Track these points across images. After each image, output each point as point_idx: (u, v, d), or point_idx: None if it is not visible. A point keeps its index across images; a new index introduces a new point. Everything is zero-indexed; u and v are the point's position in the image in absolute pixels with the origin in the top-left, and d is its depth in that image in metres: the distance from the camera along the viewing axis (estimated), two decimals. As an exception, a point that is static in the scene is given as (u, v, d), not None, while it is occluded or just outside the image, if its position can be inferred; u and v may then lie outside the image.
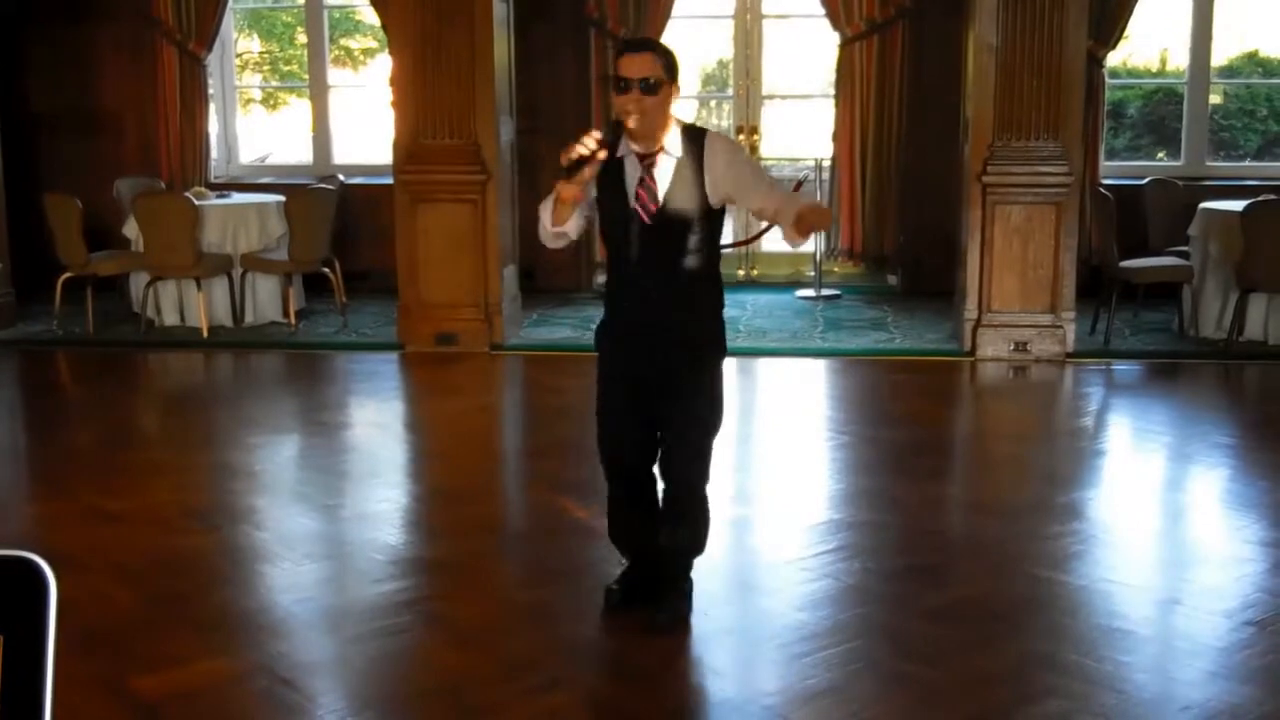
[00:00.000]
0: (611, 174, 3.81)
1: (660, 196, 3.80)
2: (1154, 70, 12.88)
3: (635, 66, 3.72)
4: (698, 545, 4.13)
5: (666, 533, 4.07)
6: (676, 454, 3.96)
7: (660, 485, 4.10)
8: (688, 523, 4.06)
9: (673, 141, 3.82)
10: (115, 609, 4.20)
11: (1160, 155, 11.93)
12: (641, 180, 3.80)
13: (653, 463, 4.05)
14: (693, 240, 3.84)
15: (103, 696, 3.56)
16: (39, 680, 0.86)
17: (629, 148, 3.82)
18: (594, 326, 4.22)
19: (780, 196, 3.93)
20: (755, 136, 10.57)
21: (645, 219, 3.82)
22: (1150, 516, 5.45)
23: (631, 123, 3.71)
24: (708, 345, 3.98)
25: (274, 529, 5.13)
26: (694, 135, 3.86)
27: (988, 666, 3.76)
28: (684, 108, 12.74)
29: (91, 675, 3.63)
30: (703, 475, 4.02)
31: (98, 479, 5.83)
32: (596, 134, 3.64)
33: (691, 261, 3.85)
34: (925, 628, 4.07)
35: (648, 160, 3.81)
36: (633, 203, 3.82)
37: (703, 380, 3.95)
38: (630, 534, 4.20)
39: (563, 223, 3.83)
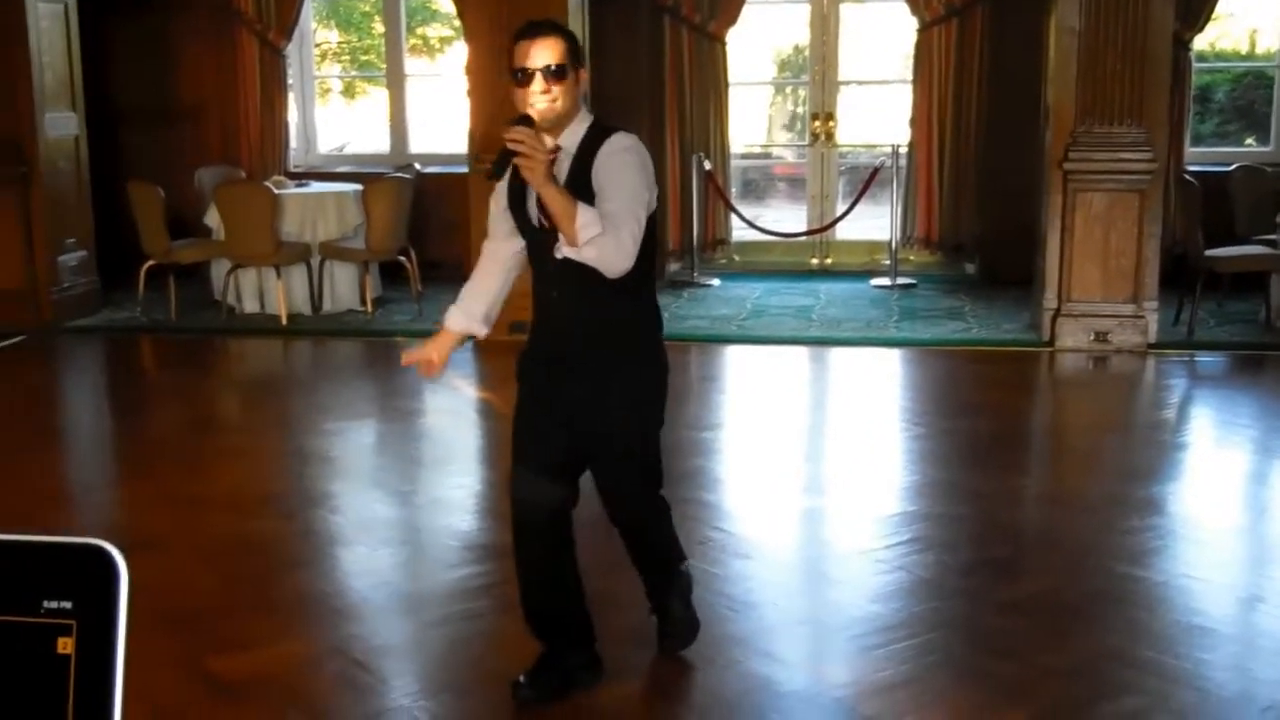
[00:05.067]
0: (516, 183, 3.31)
1: None
2: (1243, 53, 12.59)
3: (536, 55, 3.17)
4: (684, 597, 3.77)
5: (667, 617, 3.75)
6: (612, 504, 3.57)
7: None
8: (674, 592, 3.75)
9: (571, 138, 3.26)
10: (194, 591, 4.28)
11: (1248, 141, 11.66)
12: None
13: (558, 502, 3.46)
14: None
15: (180, 677, 3.63)
16: (111, 665, 0.87)
17: None
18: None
19: (594, 217, 3.13)
20: (831, 123, 10.50)
21: (547, 228, 3.25)
22: (1233, 512, 5.33)
23: (535, 114, 3.18)
24: (631, 382, 3.38)
25: (350, 514, 5.19)
26: (599, 134, 3.26)
27: (1063, 661, 3.71)
28: (759, 94, 12.67)
29: (170, 656, 3.70)
30: (660, 534, 3.69)
31: (179, 463, 5.94)
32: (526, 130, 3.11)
33: (602, 283, 3.20)
34: (1000, 621, 4.02)
35: (550, 160, 3.17)
36: (534, 212, 3.29)
37: (625, 422, 3.40)
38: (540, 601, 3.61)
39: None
